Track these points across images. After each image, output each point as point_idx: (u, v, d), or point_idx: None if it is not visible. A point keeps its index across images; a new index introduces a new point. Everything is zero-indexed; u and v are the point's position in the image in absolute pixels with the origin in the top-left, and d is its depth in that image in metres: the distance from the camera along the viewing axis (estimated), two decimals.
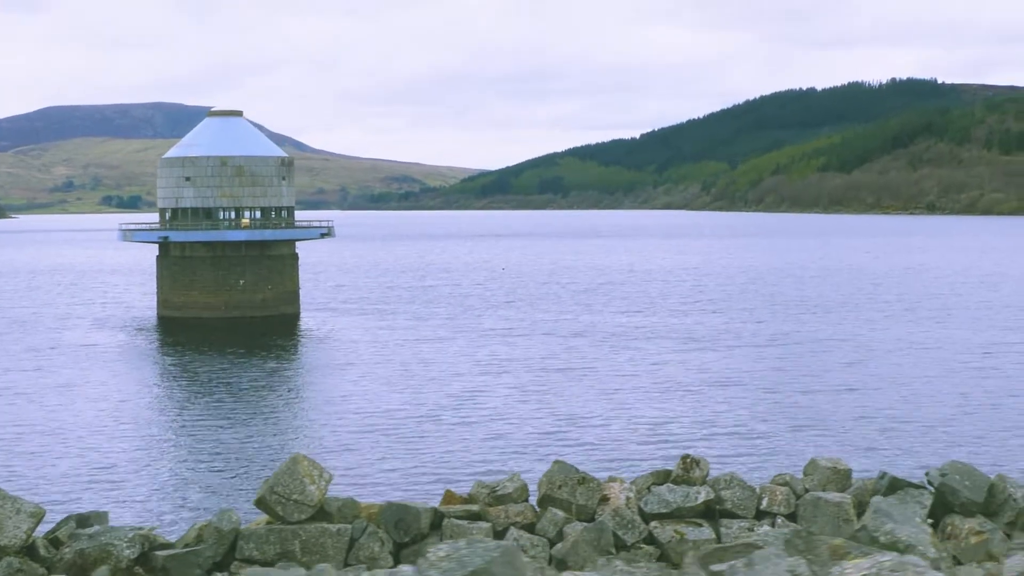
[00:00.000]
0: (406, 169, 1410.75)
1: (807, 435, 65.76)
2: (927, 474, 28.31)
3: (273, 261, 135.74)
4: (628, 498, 28.42)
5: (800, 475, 29.78)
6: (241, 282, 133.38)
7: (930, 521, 27.37)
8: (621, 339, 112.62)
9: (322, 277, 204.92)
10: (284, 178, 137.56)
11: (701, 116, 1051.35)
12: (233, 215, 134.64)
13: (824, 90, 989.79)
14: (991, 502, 27.66)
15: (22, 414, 76.09)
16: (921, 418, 70.60)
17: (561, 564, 26.72)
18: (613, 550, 27.01)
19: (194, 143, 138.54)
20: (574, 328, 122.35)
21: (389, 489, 53.04)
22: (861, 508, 27.49)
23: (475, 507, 28.26)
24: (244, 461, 61.25)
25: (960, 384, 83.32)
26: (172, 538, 29.23)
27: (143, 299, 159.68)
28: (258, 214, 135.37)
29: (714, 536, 27.37)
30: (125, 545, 26.99)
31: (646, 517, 28.15)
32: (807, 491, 28.64)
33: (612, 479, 29.49)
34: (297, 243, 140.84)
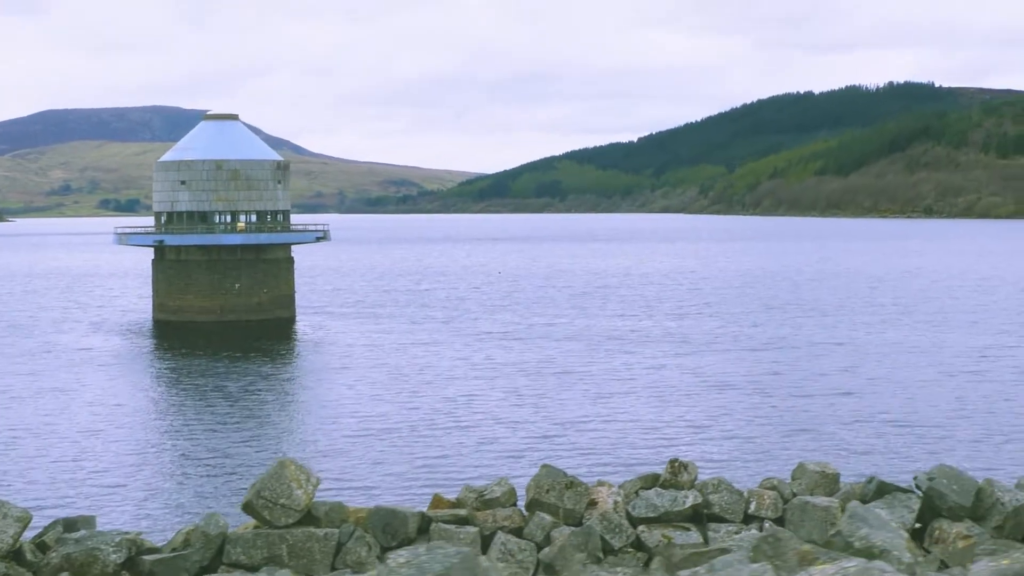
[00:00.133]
0: (404, 173, 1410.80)
1: (799, 439, 65.70)
2: (915, 478, 28.31)
3: (268, 265, 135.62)
4: (616, 502, 28.43)
5: (789, 479, 29.82)
6: (237, 286, 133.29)
7: (917, 525, 27.46)
8: (616, 343, 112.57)
9: (319, 281, 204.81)
10: (280, 182, 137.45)
11: (699, 120, 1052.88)
12: (229, 219, 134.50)
13: (821, 94, 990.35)
14: (979, 506, 27.64)
15: (15, 418, 75.99)
16: (913, 422, 70.53)
17: (549, 568, 26.72)
18: (600, 554, 27.00)
19: (190, 147, 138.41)
20: (569, 332, 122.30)
21: (380, 493, 52.97)
22: None
23: (463, 511, 28.28)
24: (234, 465, 61.16)
25: (954, 388, 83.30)
26: (160, 542, 29.19)
27: (139, 303, 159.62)
28: (254, 218, 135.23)
29: (702, 540, 27.36)
30: (112, 549, 26.97)
31: (634, 521, 28.17)
32: (795, 495, 28.66)
33: (601, 483, 29.50)
34: (293, 247, 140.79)
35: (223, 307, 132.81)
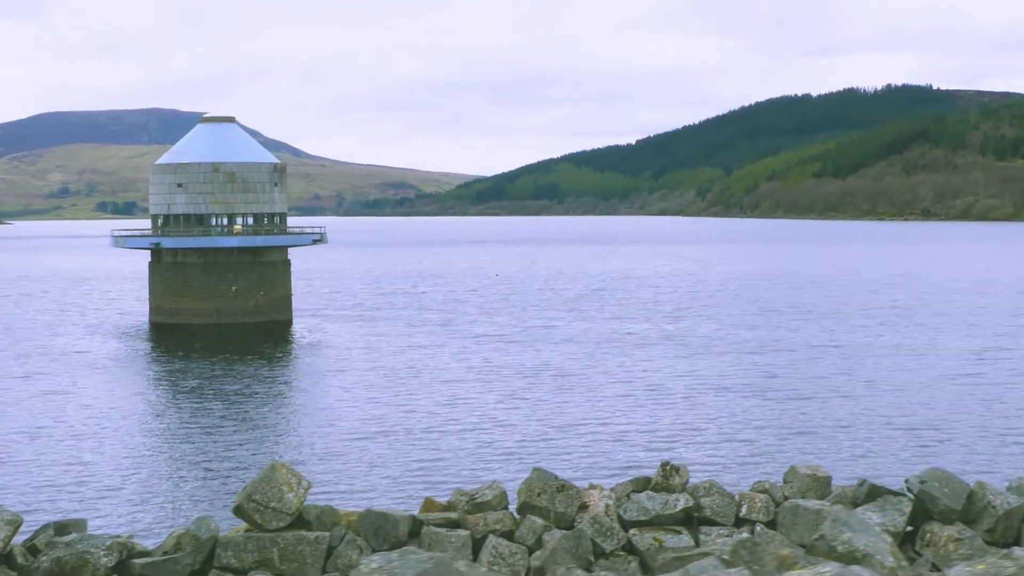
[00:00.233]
0: (402, 175, 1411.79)
1: (792, 442, 65.63)
2: (906, 481, 28.34)
3: (265, 267, 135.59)
4: (607, 505, 28.43)
5: (780, 482, 29.82)
6: (233, 288, 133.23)
7: (909, 528, 27.45)
8: (613, 345, 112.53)
9: (316, 283, 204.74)
10: (276, 184, 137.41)
11: (697, 122, 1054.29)
12: (225, 221, 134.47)
13: (819, 96, 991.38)
14: (970, 509, 27.68)
15: (9, 420, 75.88)
16: (907, 425, 70.47)
17: (539, 572, 26.70)
18: (592, 557, 26.99)
19: (186, 149, 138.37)
20: (566, 334, 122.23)
21: (373, 496, 52.93)
22: None
23: (454, 515, 28.27)
24: (227, 468, 61.08)
25: (949, 391, 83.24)
26: (151, 546, 29.16)
27: (135, 305, 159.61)
28: (250, 220, 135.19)
29: (693, 543, 27.35)
30: (103, 553, 26.95)
31: (625, 524, 28.17)
32: (786, 498, 28.67)
33: (592, 486, 29.49)
34: (289, 249, 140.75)
35: (219, 310, 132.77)
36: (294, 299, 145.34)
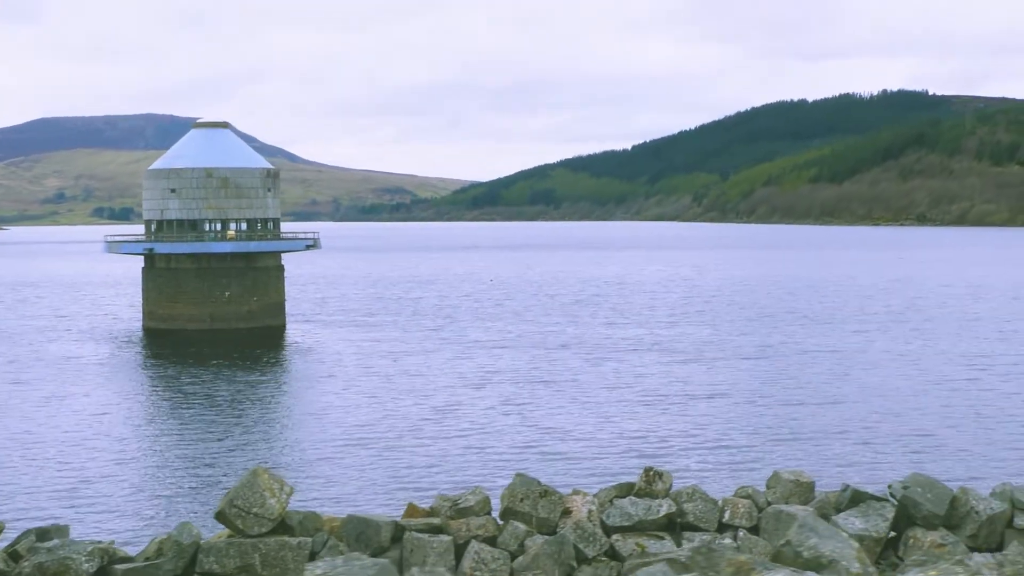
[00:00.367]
0: (398, 180, 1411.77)
1: (780, 448, 65.57)
2: (890, 486, 28.33)
3: (259, 273, 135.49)
4: (590, 511, 28.37)
5: (764, 488, 29.78)
6: (227, 294, 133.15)
7: (892, 534, 27.42)
8: (606, 351, 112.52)
9: (310, 289, 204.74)
10: (270, 190, 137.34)
11: (693, 128, 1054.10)
12: (219, 227, 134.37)
13: (815, 102, 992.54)
14: (953, 515, 27.66)
15: None
16: (895, 431, 70.42)
17: None
18: (574, 563, 26.93)
19: (180, 155, 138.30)
20: (560, 340, 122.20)
21: (360, 502, 52.89)
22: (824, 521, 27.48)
23: (436, 520, 28.19)
24: (213, 474, 61.00)
25: (939, 397, 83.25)
26: (133, 552, 29.09)
27: (129, 311, 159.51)
28: (244, 226, 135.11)
29: (676, 549, 27.28)
30: (84, 559, 26.88)
31: (608, 530, 28.11)
32: (769, 504, 28.62)
33: (576, 492, 29.44)
34: (283, 255, 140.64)
35: (213, 315, 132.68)
36: (288, 305, 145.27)
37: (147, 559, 27.49)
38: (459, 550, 27.64)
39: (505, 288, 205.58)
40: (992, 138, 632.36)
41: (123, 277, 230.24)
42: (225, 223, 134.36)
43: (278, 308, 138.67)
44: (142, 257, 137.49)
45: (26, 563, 26.71)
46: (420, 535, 27.65)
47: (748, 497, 28.89)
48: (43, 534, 28.49)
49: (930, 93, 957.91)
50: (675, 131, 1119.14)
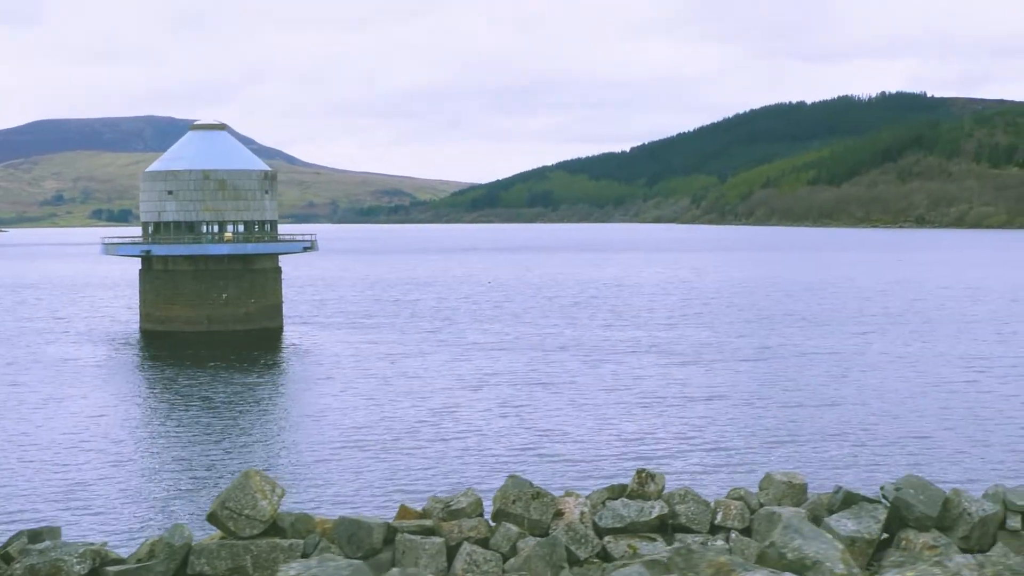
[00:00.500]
0: (396, 183, 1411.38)
1: (774, 449, 65.57)
2: (882, 488, 28.27)
3: (256, 275, 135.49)
4: (582, 513, 28.31)
5: (756, 490, 29.74)
6: (224, 296, 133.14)
7: (885, 535, 27.38)
8: (604, 353, 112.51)
9: (308, 291, 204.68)
10: (267, 192, 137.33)
11: (691, 130, 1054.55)
12: (216, 229, 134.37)
13: (814, 104, 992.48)
14: (945, 516, 27.61)
15: None
16: (890, 433, 70.40)
17: None
18: (566, 564, 26.89)
19: (177, 157, 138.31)
20: (558, 342, 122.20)
21: (354, 504, 52.87)
22: (816, 523, 27.42)
23: (428, 522, 28.15)
24: (209, 476, 60.99)
25: (936, 398, 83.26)
26: (125, 553, 29.05)
27: (126, 313, 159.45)
28: (241, 228, 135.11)
29: (657, 550, 27.25)
30: (76, 561, 26.83)
31: (600, 532, 28.06)
32: (762, 505, 28.57)
33: (568, 493, 29.38)
34: (281, 257, 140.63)
35: (210, 317, 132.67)
36: (285, 306, 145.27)
37: (139, 561, 27.45)
38: (451, 552, 27.61)
39: (503, 290, 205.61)
40: (990, 140, 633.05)
41: (120, 279, 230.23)
42: (222, 225, 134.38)
43: (275, 310, 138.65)
44: (139, 259, 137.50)
45: (17, 565, 26.66)
46: (412, 537, 27.60)
47: (740, 499, 28.83)
48: (35, 536, 28.43)
49: (928, 95, 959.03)
50: (673, 133, 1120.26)
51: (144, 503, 55.38)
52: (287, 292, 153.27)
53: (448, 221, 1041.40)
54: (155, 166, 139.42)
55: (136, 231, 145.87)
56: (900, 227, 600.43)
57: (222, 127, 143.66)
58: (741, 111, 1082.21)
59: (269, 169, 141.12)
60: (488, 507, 28.94)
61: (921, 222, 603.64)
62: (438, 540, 27.51)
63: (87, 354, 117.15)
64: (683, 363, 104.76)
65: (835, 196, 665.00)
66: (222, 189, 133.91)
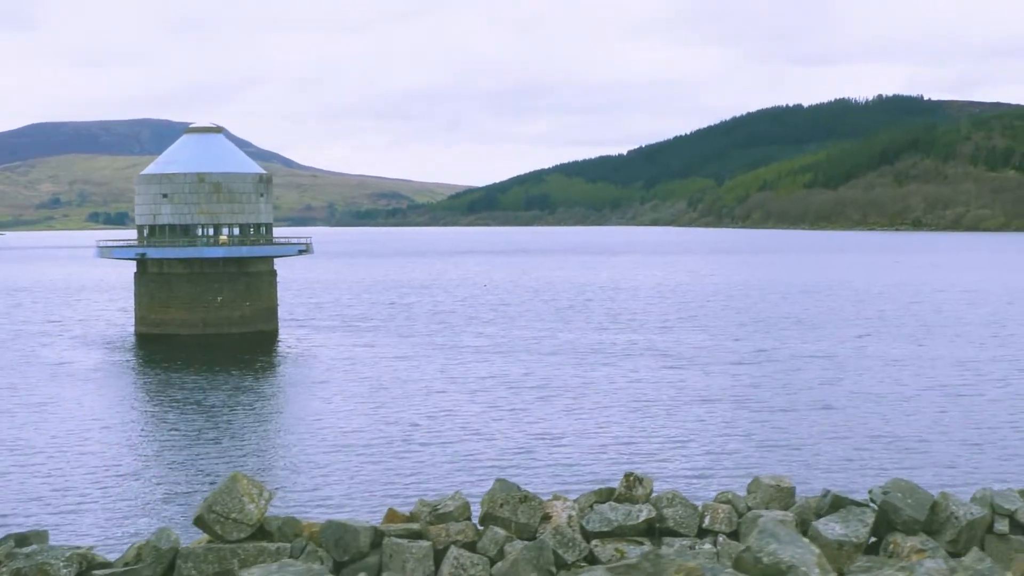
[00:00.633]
0: (394, 186, 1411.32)
1: (764, 453, 65.48)
2: (870, 492, 28.23)
3: (251, 278, 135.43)
4: (570, 516, 28.26)
5: (744, 493, 29.71)
6: (219, 299, 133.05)
7: (873, 539, 27.35)
8: (598, 356, 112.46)
9: (304, 293, 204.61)
10: (262, 195, 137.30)
11: (688, 133, 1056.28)
12: (211, 232, 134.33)
13: (811, 107, 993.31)
14: (933, 520, 27.57)
15: None
16: (882, 436, 70.30)
17: None
18: (553, 568, 26.83)
19: (172, 160, 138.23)
20: (553, 345, 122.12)
21: (345, 507, 52.81)
22: (804, 526, 27.41)
23: (416, 526, 28.11)
24: (200, 479, 60.89)
25: (930, 401, 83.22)
26: (112, 557, 29.00)
27: (121, 316, 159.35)
28: (236, 231, 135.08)
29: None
30: (62, 564, 26.77)
31: (588, 535, 28.00)
32: (749, 509, 28.53)
33: (556, 497, 29.34)
34: (276, 260, 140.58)
35: (205, 320, 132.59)
36: (280, 309, 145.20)
37: (126, 564, 27.38)
38: (438, 556, 27.56)
39: (499, 293, 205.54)
40: (987, 143, 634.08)
41: (116, 282, 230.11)
42: (217, 228, 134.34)
43: (270, 313, 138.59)
44: (134, 262, 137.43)
45: (3, 569, 26.62)
46: (399, 540, 27.55)
47: (728, 502, 28.79)
48: (22, 540, 28.36)
49: (925, 98, 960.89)
50: (670, 136, 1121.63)
51: (133, 507, 55.28)
52: (282, 295, 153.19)
53: (445, 224, 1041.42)
54: (150, 169, 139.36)
55: (132, 234, 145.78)
56: (897, 230, 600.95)
57: (218, 130, 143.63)
58: (738, 114, 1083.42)
59: (264, 172, 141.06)
60: (476, 511, 28.91)
61: (918, 225, 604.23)
62: (425, 544, 27.45)
63: (82, 357, 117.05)
64: (677, 366, 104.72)
65: (832, 199, 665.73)
66: (217, 192, 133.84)
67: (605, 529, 27.87)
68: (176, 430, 76.17)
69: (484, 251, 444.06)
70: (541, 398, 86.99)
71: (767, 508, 28.40)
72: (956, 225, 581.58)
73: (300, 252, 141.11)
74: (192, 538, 29.14)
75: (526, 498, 28.40)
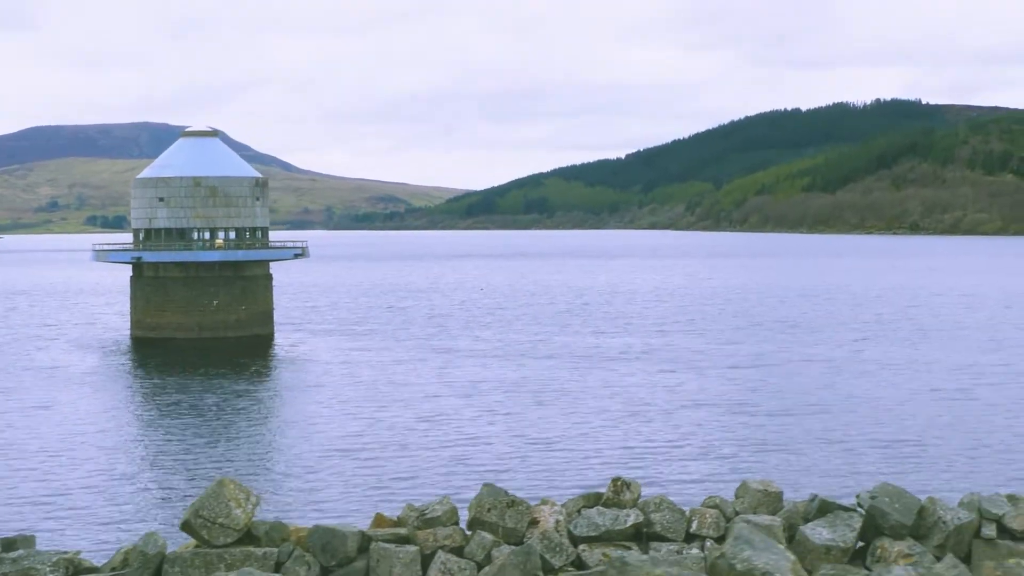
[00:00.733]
0: (392, 189, 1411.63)
1: (752, 457, 65.33)
2: (858, 496, 28.22)
3: (247, 282, 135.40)
4: (557, 521, 28.23)
5: (732, 498, 29.67)
6: (215, 303, 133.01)
7: (860, 543, 27.33)
8: (594, 360, 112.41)
9: (301, 297, 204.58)
10: (258, 199, 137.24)
11: (686, 136, 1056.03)
12: (207, 236, 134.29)
13: (809, 111, 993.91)
14: (920, 525, 27.55)
15: None
16: (877, 440, 70.20)
17: None
18: (540, 573, 26.80)
19: (168, 164, 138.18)
20: (548, 349, 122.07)
21: (333, 511, 52.71)
22: (792, 531, 27.40)
23: (403, 530, 28.08)
24: (188, 484, 60.72)
25: (924, 406, 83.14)
26: (99, 562, 28.97)
27: (117, 320, 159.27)
28: (232, 235, 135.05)
29: (644, 559, 27.14)
30: (49, 569, 26.77)
31: (575, 540, 27.98)
32: (737, 513, 28.50)
33: (544, 501, 29.31)
34: (272, 264, 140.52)
35: (201, 324, 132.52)
36: (276, 313, 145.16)
37: (113, 569, 27.38)
38: (426, 560, 27.54)
39: (497, 297, 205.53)
40: (985, 147, 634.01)
41: (113, 285, 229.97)
42: (213, 232, 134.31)
43: (266, 317, 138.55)
44: (130, 266, 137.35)
45: None
46: (386, 545, 27.53)
47: (716, 507, 28.77)
48: (9, 544, 28.34)
49: (923, 102, 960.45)
50: (668, 140, 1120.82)
51: (121, 511, 55.13)
52: (278, 299, 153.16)
53: (443, 228, 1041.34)
54: (146, 173, 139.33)
55: (129, 238, 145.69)
56: (894, 234, 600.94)
57: (214, 134, 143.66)
58: (736, 118, 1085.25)
59: (260, 176, 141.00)
60: (464, 515, 28.88)
61: (915, 229, 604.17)
62: (412, 549, 27.44)
63: (77, 361, 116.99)
64: (673, 370, 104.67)
65: (830, 203, 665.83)
66: (213, 196, 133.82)
67: (593, 534, 27.86)
68: (168, 434, 76.09)
69: (482, 255, 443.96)
70: (535, 402, 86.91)
71: (755, 513, 28.36)
72: (954, 229, 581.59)
73: (296, 256, 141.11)
74: (179, 543, 29.11)
75: (513, 503, 28.38)
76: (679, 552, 27.40)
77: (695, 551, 27.49)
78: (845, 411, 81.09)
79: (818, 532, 26.88)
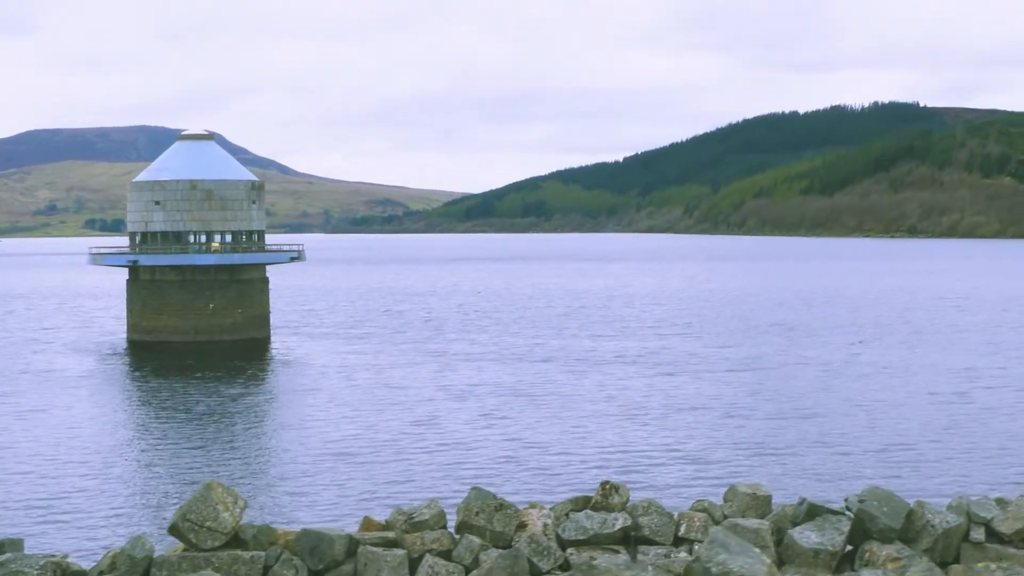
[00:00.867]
0: (390, 192, 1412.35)
1: (742, 461, 65.21)
2: (846, 500, 28.18)
3: (243, 285, 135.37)
4: (546, 524, 28.20)
5: (721, 502, 29.64)
6: (211, 306, 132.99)
7: (849, 547, 27.30)
8: (590, 364, 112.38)
9: (298, 300, 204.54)
10: (254, 202, 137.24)
11: (684, 140, 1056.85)
12: (203, 239, 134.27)
13: (807, 113, 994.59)
14: (909, 528, 27.51)
15: None
16: (870, 444, 70.06)
17: None
18: None
19: (164, 167, 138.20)
20: (545, 353, 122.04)
21: (322, 515, 52.69)
22: (780, 535, 27.36)
23: (391, 534, 28.05)
24: (178, 487, 60.63)
25: (919, 409, 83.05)
26: (87, 565, 28.94)
27: (114, 323, 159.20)
28: (228, 238, 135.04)
29: (619, 562, 27.09)
30: (36, 573, 26.72)
31: (563, 544, 27.93)
32: (725, 517, 28.46)
33: (532, 505, 29.27)
34: (268, 267, 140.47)
35: (197, 327, 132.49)
36: (273, 317, 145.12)
37: (100, 573, 27.36)
38: (413, 564, 27.50)
39: (493, 300, 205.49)
40: (982, 150, 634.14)
41: (110, 289, 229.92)
42: (209, 235, 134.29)
43: (263, 320, 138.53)
44: (127, 269, 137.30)
45: None
46: (374, 549, 27.49)
47: (704, 511, 28.72)
48: None
49: (921, 105, 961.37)
50: (666, 143, 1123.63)
51: (110, 514, 55.04)
52: (275, 302, 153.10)
53: (441, 231, 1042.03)
54: (142, 176, 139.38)
55: (125, 241, 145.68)
56: (892, 237, 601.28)
57: (210, 137, 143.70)
58: (734, 121, 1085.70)
59: (256, 179, 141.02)
60: (453, 519, 28.85)
61: (913, 232, 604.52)
62: (400, 552, 27.38)
63: (74, 364, 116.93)
64: (669, 374, 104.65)
65: (828, 206, 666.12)
66: (209, 199, 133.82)
67: (581, 537, 27.81)
68: (161, 437, 76.04)
69: (480, 258, 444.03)
70: (530, 406, 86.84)
71: (743, 516, 28.32)
72: (951, 232, 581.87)
73: (292, 259, 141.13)
74: (167, 546, 29.07)
75: (501, 506, 28.34)
76: (667, 556, 27.36)
77: (683, 555, 27.44)
78: (840, 415, 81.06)
79: (806, 536, 26.83)
